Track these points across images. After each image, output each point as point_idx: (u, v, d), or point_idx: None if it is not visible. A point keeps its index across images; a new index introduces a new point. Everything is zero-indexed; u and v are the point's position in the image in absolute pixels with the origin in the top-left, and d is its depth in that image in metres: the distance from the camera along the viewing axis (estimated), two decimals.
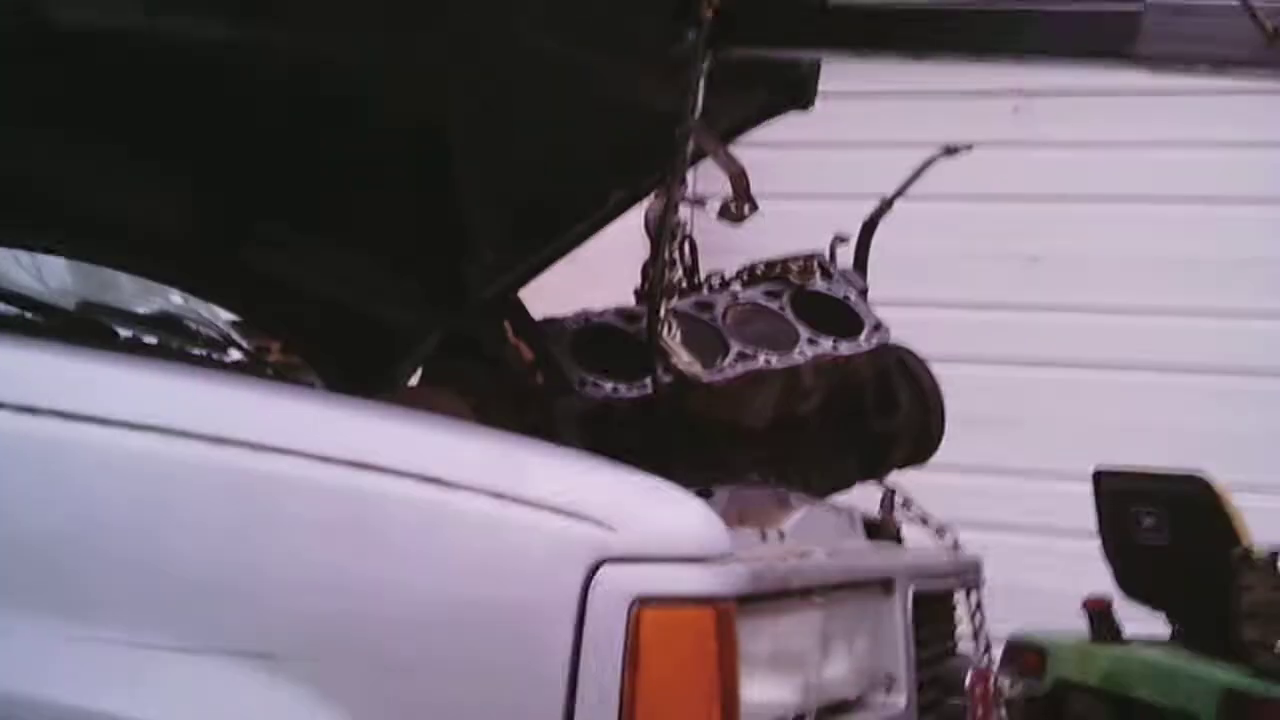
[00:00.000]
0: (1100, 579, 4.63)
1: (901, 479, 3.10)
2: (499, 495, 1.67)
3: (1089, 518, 4.65)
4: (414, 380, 3.12)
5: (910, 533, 2.91)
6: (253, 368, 3.01)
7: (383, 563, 1.66)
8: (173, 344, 2.86)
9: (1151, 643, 4.49)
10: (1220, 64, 2.33)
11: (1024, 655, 4.60)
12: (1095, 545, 4.64)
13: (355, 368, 3.18)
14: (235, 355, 3.03)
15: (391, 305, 3.16)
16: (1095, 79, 5.57)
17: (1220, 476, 4.33)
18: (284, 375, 3.07)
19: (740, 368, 2.68)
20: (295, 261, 3.08)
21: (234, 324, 3.22)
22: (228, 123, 2.67)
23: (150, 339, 2.81)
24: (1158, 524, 4.38)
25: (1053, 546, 6.15)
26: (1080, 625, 4.54)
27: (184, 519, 1.68)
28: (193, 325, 3.04)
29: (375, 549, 1.66)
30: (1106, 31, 2.36)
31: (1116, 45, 2.35)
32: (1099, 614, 4.49)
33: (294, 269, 3.08)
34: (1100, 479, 4.62)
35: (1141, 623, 4.61)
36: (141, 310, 2.96)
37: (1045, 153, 6.58)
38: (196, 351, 2.89)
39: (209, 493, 1.69)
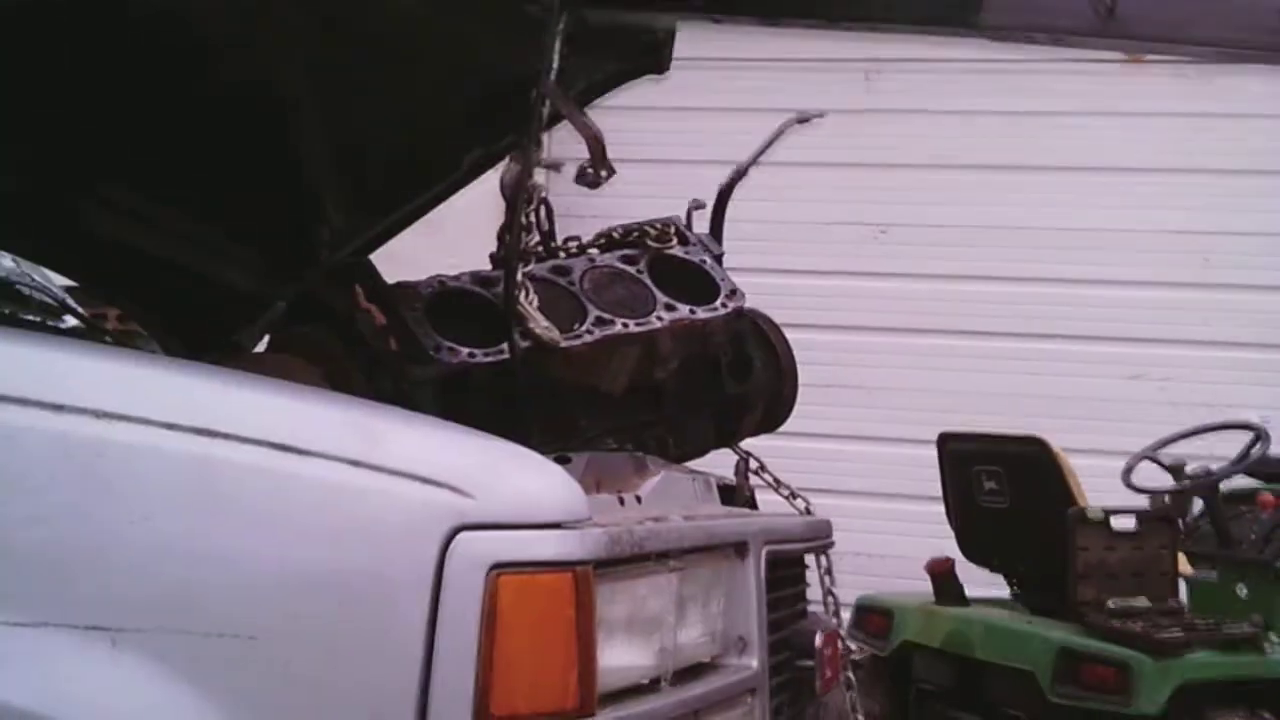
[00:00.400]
0: (944, 542, 4.75)
1: (755, 445, 3.14)
2: (353, 462, 1.64)
3: (935, 482, 4.75)
4: (262, 346, 3.04)
5: (763, 497, 2.94)
6: (91, 334, 2.91)
7: (233, 532, 1.62)
8: (5, 310, 2.75)
9: (992, 603, 4.62)
10: (1060, 35, 2.39)
11: (871, 617, 4.69)
12: (940, 508, 4.74)
13: (199, 334, 3.10)
14: (71, 322, 2.92)
15: (237, 269, 3.07)
16: (946, 49, 5.69)
17: (1057, 439, 4.46)
18: (123, 342, 2.97)
19: (598, 333, 2.67)
20: (136, 224, 2.97)
21: (70, 290, 3.11)
22: (65, 78, 2.56)
23: None
24: (998, 486, 4.50)
25: (901, 510, 6.30)
26: (926, 587, 4.65)
27: (20, 488, 1.62)
28: (25, 290, 2.93)
29: (225, 518, 1.62)
30: (950, 2, 2.41)
31: (960, 15, 2.40)
32: (942, 576, 4.60)
33: (135, 232, 2.98)
34: (944, 442, 4.73)
35: (987, 584, 4.74)
36: None
37: (896, 122, 6.69)
38: (30, 317, 2.78)
39: (48, 461, 1.63)
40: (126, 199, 2.92)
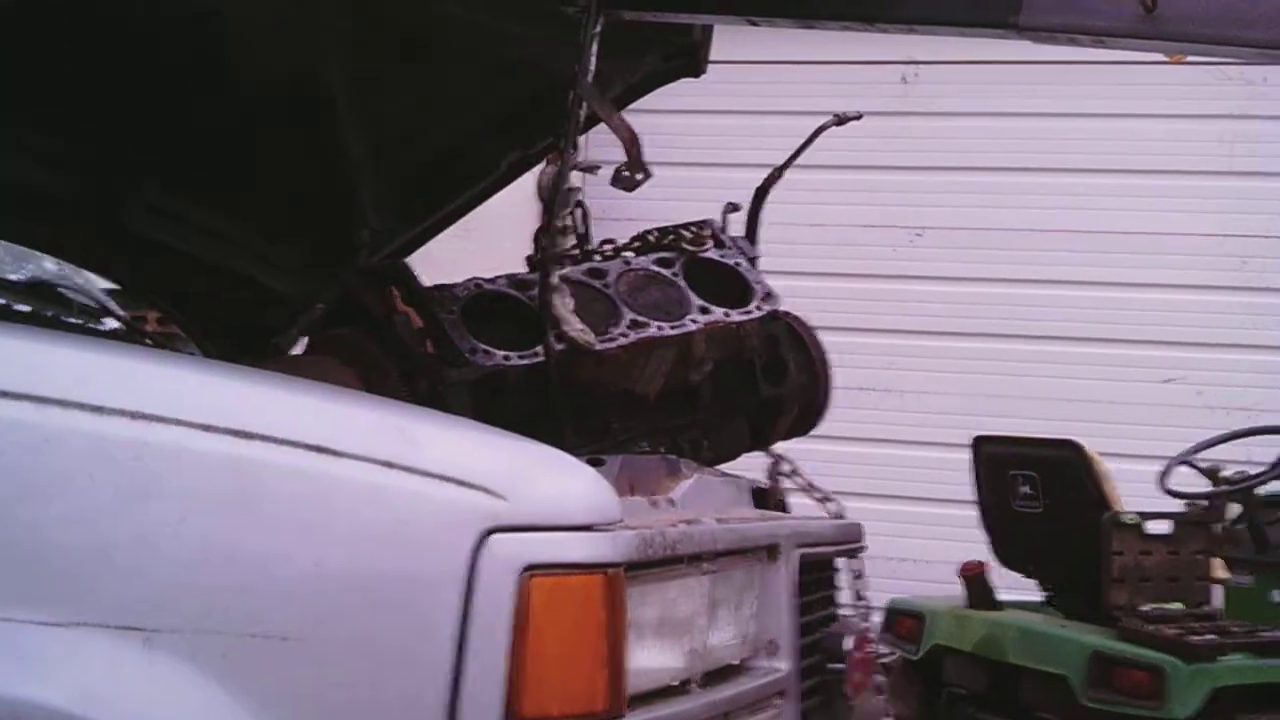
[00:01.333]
0: (976, 546, 4.73)
1: (788, 447, 3.14)
2: (388, 464, 1.65)
3: (967, 485, 4.74)
4: (300, 348, 3.07)
5: (796, 501, 2.94)
6: (130, 336, 2.93)
7: (267, 533, 1.63)
8: (46, 312, 2.77)
9: (1025, 607, 4.60)
10: (1100, 35, 2.38)
11: (903, 621, 4.68)
12: (973, 513, 4.73)
13: (238, 335, 3.12)
14: (112, 324, 2.95)
15: (276, 271, 3.10)
16: (983, 50, 5.67)
17: (1091, 443, 4.44)
18: (162, 344, 2.99)
19: (633, 335, 2.68)
20: (176, 226, 3.00)
21: (110, 293, 3.14)
22: (107, 81, 2.59)
23: (23, 306, 2.72)
24: (1032, 490, 4.48)
25: (934, 514, 6.28)
26: (958, 591, 4.63)
27: (60, 489, 1.64)
28: (68, 293, 2.96)
29: (259, 519, 1.63)
30: (990, 2, 2.40)
31: (999, 16, 2.39)
32: (975, 580, 4.58)
33: (175, 234, 3.01)
34: (978, 445, 4.71)
35: (1019, 589, 4.72)
36: (13, 277, 2.87)
37: (933, 124, 6.67)
38: (72, 319, 2.81)
39: (85, 462, 1.64)
40: (167, 201, 2.94)
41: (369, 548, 1.63)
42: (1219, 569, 4.34)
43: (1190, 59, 4.69)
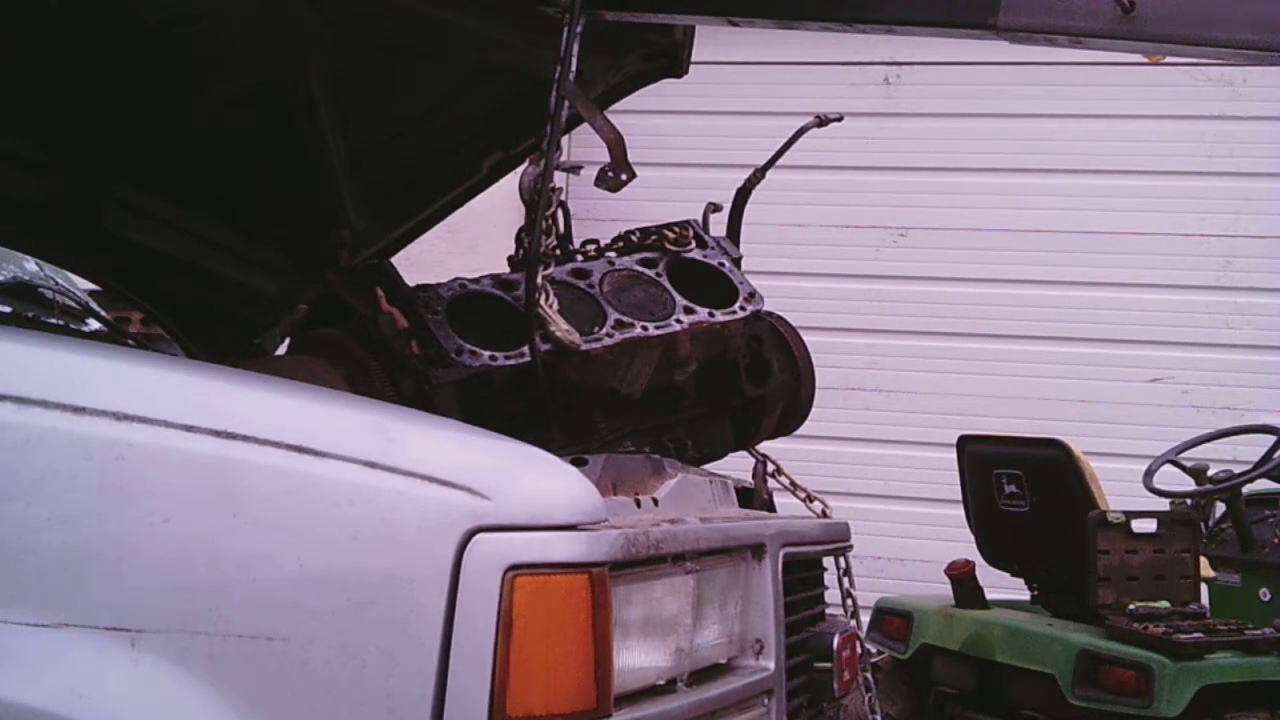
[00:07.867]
0: (963, 545, 4.74)
1: (772, 447, 3.14)
2: (371, 464, 1.64)
3: (953, 484, 4.75)
4: (283, 349, 3.06)
5: (781, 500, 2.94)
6: (112, 337, 2.92)
7: (250, 534, 1.63)
8: (28, 312, 2.77)
9: (1012, 606, 4.60)
10: (1079, 36, 2.38)
11: (890, 620, 4.69)
12: (960, 512, 4.74)
13: (221, 336, 3.12)
14: (94, 325, 2.94)
15: (259, 272, 3.09)
16: (965, 51, 5.69)
17: (1077, 442, 4.45)
18: (145, 345, 2.99)
19: (618, 336, 2.68)
20: (159, 227, 2.99)
21: (93, 294, 3.13)
22: (88, 84, 2.58)
23: (3, 307, 2.71)
24: (1018, 489, 4.48)
25: (920, 513, 6.29)
26: (945, 590, 4.64)
27: (41, 490, 1.63)
28: (49, 294, 2.95)
29: (242, 520, 1.63)
30: (968, 3, 2.40)
31: (978, 16, 2.39)
32: (962, 580, 4.59)
33: (157, 235, 3.00)
34: (963, 445, 4.72)
35: (1005, 588, 4.73)
36: None
37: (915, 124, 6.68)
38: (53, 320, 2.80)
39: (68, 462, 1.64)
40: (149, 203, 2.94)
41: (352, 548, 1.62)
42: (1205, 567, 4.36)
43: (1169, 59, 4.71)
